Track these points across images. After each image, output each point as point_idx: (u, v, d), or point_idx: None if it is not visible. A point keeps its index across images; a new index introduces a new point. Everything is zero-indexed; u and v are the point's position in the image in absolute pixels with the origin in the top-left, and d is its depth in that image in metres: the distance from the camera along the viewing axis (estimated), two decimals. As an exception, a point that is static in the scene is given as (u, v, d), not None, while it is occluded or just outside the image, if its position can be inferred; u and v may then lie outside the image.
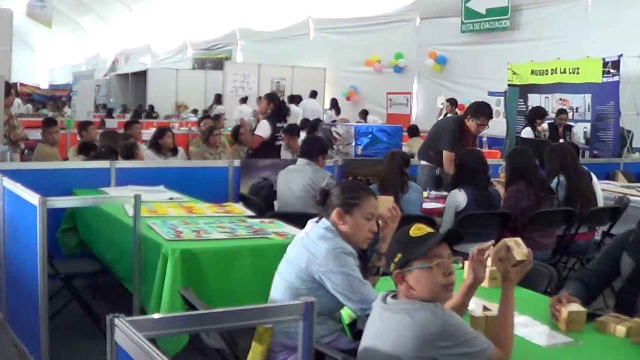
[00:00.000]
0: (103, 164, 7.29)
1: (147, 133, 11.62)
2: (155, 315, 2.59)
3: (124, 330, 2.09)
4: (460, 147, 8.03)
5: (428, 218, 6.34)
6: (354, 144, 8.90)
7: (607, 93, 12.95)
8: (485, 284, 3.78)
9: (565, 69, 13.98)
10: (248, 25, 28.20)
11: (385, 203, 3.89)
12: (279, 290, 3.70)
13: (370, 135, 9.00)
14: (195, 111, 25.59)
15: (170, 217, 5.63)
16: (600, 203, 7.55)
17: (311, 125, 14.41)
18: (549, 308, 3.65)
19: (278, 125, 10.05)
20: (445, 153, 8.14)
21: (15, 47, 15.01)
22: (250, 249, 4.86)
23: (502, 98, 16.24)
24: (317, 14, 24.48)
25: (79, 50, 43.53)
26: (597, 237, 7.61)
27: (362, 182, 8.24)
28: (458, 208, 6.57)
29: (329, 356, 3.42)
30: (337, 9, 23.37)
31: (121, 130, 13.08)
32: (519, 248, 3.16)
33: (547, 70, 14.35)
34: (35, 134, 10.48)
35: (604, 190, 8.00)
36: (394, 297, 3.03)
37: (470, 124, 8.13)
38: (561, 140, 12.18)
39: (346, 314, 3.77)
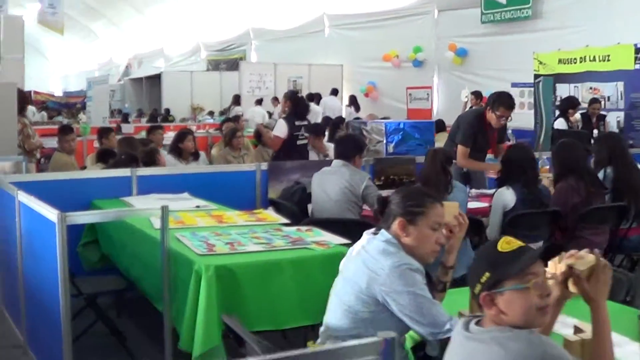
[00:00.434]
0: (123, 172, 6.88)
1: (167, 137, 11.20)
2: None
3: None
4: (481, 142, 7.61)
5: (477, 220, 5.89)
6: (385, 141, 8.44)
7: (641, 80, 12.50)
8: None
9: (595, 57, 13.53)
10: (261, 24, 27.78)
11: (450, 210, 3.43)
12: (337, 314, 3.25)
13: (401, 132, 8.54)
14: (211, 113, 25.28)
15: (199, 228, 5.20)
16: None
17: (333, 123, 14.00)
18: (636, 320, 3.21)
19: (297, 123, 9.60)
20: (458, 147, 7.63)
21: (27, 55, 14.70)
22: (291, 262, 4.44)
23: (525, 89, 15.84)
24: (331, 10, 23.99)
25: (91, 56, 43.33)
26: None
27: (395, 181, 7.88)
28: (506, 208, 6.12)
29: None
30: (352, 4, 22.90)
31: (138, 135, 12.79)
32: (579, 259, 2.72)
33: (575, 59, 13.89)
34: (51, 142, 10.11)
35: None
36: (478, 322, 2.58)
37: (490, 115, 7.55)
38: (595, 131, 11.74)
39: (409, 335, 3.32)
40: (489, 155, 8.13)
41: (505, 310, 2.48)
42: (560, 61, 14.10)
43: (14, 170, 8.73)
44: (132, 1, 34.07)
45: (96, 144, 12.02)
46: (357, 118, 15.19)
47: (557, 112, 12.14)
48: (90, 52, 43.38)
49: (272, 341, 3.49)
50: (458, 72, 19.61)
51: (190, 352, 4.14)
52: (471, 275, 2.60)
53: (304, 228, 5.22)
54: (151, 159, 7.52)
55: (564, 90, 13.86)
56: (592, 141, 9.75)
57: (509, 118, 7.69)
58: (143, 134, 13.59)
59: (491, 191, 7.49)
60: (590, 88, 13.53)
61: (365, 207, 6.34)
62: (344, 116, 18.05)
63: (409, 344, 3.33)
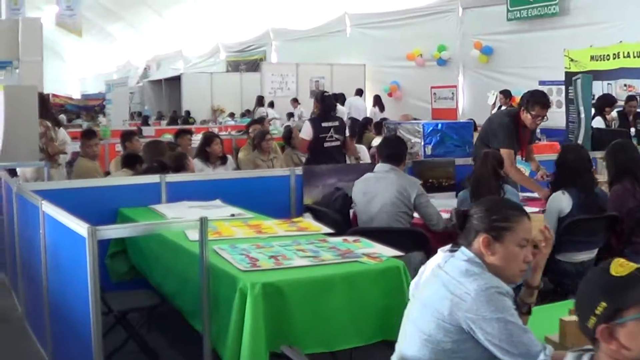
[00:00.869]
0: (152, 178, 6.51)
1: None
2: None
3: None
4: (515, 144, 7.16)
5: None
6: (422, 143, 8.04)
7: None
8: None
9: (629, 53, 13.10)
10: (282, 24, 27.50)
11: (535, 223, 3.04)
12: (415, 344, 2.85)
13: (439, 134, 8.13)
14: (232, 115, 24.95)
15: (238, 240, 4.82)
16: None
17: (361, 124, 13.66)
18: None
19: (324, 125, 9.21)
20: (502, 151, 6.87)
21: (45, 58, 14.45)
22: (343, 278, 4.06)
23: (554, 87, 15.39)
24: (353, 9, 23.67)
25: (109, 59, 43.18)
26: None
27: (435, 185, 7.48)
28: (562, 213, 5.74)
29: None
30: (373, 3, 22.57)
31: (161, 139, 12.45)
32: None
33: (608, 55, 13.49)
34: (72, 146, 9.79)
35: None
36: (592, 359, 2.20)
37: (525, 116, 6.99)
38: (632, 130, 11.33)
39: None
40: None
41: (629, 344, 2.10)
42: (592, 58, 13.68)
43: (35, 177, 8.44)
44: (151, 3, 33.83)
45: (118, 148, 11.71)
46: (384, 118, 14.78)
47: (593, 111, 11.72)
48: (108, 54, 43.24)
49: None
50: (484, 70, 19.27)
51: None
52: (581, 306, 2.21)
53: (350, 238, 4.84)
54: (180, 164, 7.14)
55: (597, 88, 13.39)
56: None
57: (545, 118, 7.24)
58: (166, 137, 13.31)
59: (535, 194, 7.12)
60: (625, 85, 13.10)
61: (415, 214, 5.90)
62: (368, 116, 17.72)
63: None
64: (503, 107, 15.55)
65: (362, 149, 10.50)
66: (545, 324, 3.11)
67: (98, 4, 34.93)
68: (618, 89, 13.11)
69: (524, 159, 7.46)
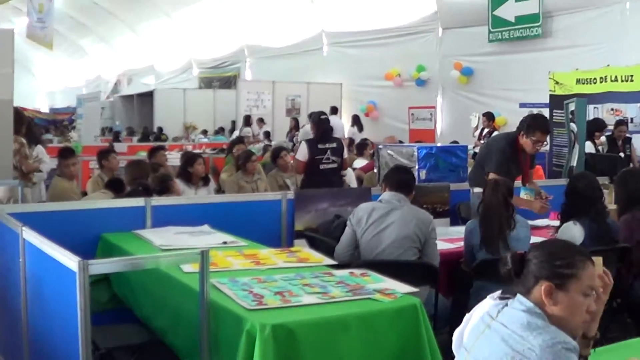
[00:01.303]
0: (137, 201, 6.09)
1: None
2: None
3: None
4: (513, 169, 6.86)
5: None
6: (417, 167, 7.72)
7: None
8: None
9: (616, 77, 12.88)
10: (257, 41, 27.13)
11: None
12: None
13: (434, 158, 7.83)
14: (205, 132, 24.59)
15: (236, 273, 4.44)
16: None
17: (359, 145, 13.46)
18: None
19: (321, 146, 8.93)
20: (491, 175, 6.68)
21: (15, 71, 13.91)
22: (358, 318, 3.70)
23: (534, 110, 15.14)
24: (330, 27, 23.35)
25: (79, 73, 42.50)
26: None
27: (429, 210, 7.14)
28: (573, 245, 5.43)
29: None
30: (352, 22, 22.25)
31: (136, 156, 12.08)
32: None
33: (595, 79, 13.23)
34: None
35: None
36: None
37: (525, 141, 6.73)
38: (621, 154, 11.13)
39: None
40: (517, 182, 7.34)
41: None
42: (578, 81, 13.42)
43: (8, 196, 7.98)
44: (124, 17, 33.33)
45: (92, 165, 11.30)
46: (364, 139, 14.51)
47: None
48: (78, 68, 42.57)
49: None
50: (463, 91, 19.06)
51: None
52: None
53: (357, 272, 4.48)
54: (165, 187, 6.77)
55: (583, 112, 13.21)
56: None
57: (545, 143, 6.97)
58: (141, 155, 12.91)
59: (539, 222, 6.85)
60: (612, 109, 12.90)
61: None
62: (346, 136, 17.46)
63: None
64: (486, 130, 15.37)
65: (348, 172, 10.18)
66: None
67: (69, 17, 34.35)
68: (605, 113, 12.90)
69: (523, 183, 7.18)
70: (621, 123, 11.73)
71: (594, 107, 13.21)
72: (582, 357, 2.72)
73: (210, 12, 28.08)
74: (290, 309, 3.72)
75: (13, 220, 4.84)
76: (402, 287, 4.11)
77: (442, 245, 5.71)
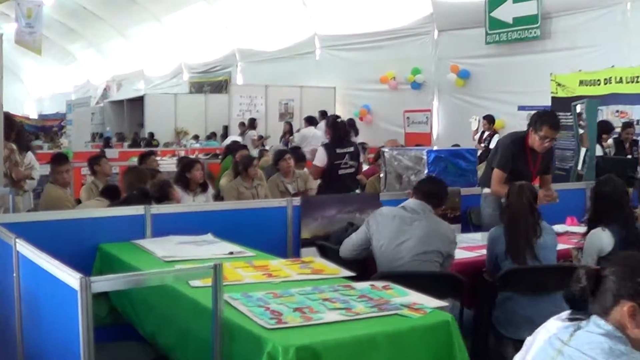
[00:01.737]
0: (136, 210, 5.75)
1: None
2: None
3: None
4: (521, 168, 6.57)
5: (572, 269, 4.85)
6: (426, 171, 7.38)
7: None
8: None
9: (621, 78, 12.61)
10: (248, 45, 26.79)
11: None
12: None
13: (443, 162, 7.49)
14: (196, 137, 24.24)
15: (249, 286, 4.11)
16: None
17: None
18: None
19: (339, 151, 8.66)
20: (493, 172, 6.64)
21: (3, 77, 13.58)
22: (387, 337, 3.35)
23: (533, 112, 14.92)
24: (323, 31, 23.03)
25: (68, 78, 42.10)
26: None
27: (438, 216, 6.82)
28: (602, 252, 5.14)
29: None
30: (345, 24, 21.94)
31: (128, 162, 11.78)
32: None
33: (599, 80, 12.97)
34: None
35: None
36: None
37: (533, 138, 6.53)
38: (628, 157, 10.86)
39: None
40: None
41: None
42: (582, 82, 13.19)
43: None
44: (114, 22, 32.98)
45: (83, 171, 10.99)
46: (363, 143, 14.22)
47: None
48: (67, 74, 42.20)
49: None
50: (460, 94, 18.75)
51: None
52: None
53: (379, 284, 4.14)
54: (164, 193, 6.42)
55: (586, 114, 12.93)
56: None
57: (554, 140, 6.68)
58: (133, 161, 12.62)
59: (556, 228, 6.52)
60: (617, 111, 12.63)
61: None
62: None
63: None
64: (486, 133, 15.11)
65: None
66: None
67: (58, 22, 33.97)
68: (610, 115, 12.63)
69: (541, 187, 6.86)
70: (629, 125, 11.48)
71: (599, 109, 12.92)
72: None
73: (201, 17, 27.82)
74: (312, 328, 3.38)
75: (5, 231, 4.49)
76: (430, 301, 3.79)
77: (461, 254, 5.38)
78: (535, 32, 16.17)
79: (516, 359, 2.54)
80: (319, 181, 9.15)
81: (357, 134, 19.60)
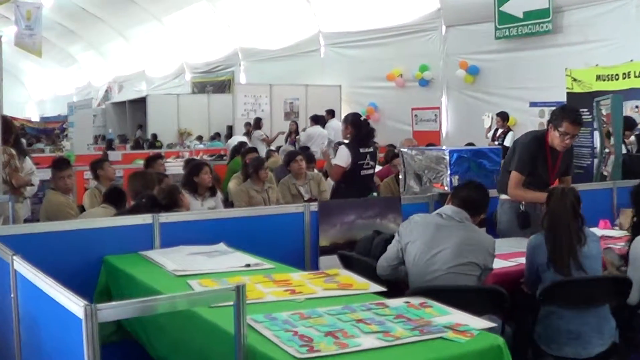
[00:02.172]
0: (143, 219, 5.36)
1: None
2: None
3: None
4: (542, 170, 6.18)
5: (622, 279, 4.47)
6: (449, 172, 6.98)
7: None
8: None
9: (640, 73, 12.21)
10: (251, 44, 26.39)
11: None
12: None
13: (467, 162, 7.08)
14: (200, 138, 23.90)
15: (272, 306, 3.71)
16: None
17: (389, 151, 12.68)
18: None
19: (362, 151, 8.30)
20: (511, 174, 6.25)
21: (4, 81, 13.28)
22: (436, 367, 2.98)
23: (546, 109, 14.52)
24: (327, 28, 22.63)
25: (69, 80, 41.84)
26: None
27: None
28: (653, 260, 4.73)
29: None
30: (350, 21, 21.53)
31: (133, 165, 11.46)
32: None
33: (617, 75, 12.54)
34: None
35: None
36: None
37: (553, 134, 6.14)
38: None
39: None
40: None
41: None
42: (598, 77, 12.76)
43: (-2, 213, 7.26)
44: (114, 23, 32.65)
45: (86, 175, 10.66)
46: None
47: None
48: (68, 76, 41.94)
49: None
50: (469, 91, 18.31)
51: None
52: None
53: (415, 301, 3.75)
54: (173, 200, 6.02)
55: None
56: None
57: (575, 137, 6.28)
58: (138, 163, 12.30)
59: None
60: (637, 107, 12.21)
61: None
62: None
63: None
64: (500, 130, 14.72)
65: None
66: None
67: (58, 24, 33.67)
68: (628, 111, 12.19)
69: None
70: (652, 121, 11.10)
71: (617, 105, 12.56)
72: None
73: (202, 16, 27.48)
74: (349, 356, 2.99)
75: (2, 247, 4.08)
76: (475, 322, 3.39)
77: (497, 263, 4.94)
78: (546, 27, 15.75)
79: None
80: (332, 184, 8.78)
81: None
